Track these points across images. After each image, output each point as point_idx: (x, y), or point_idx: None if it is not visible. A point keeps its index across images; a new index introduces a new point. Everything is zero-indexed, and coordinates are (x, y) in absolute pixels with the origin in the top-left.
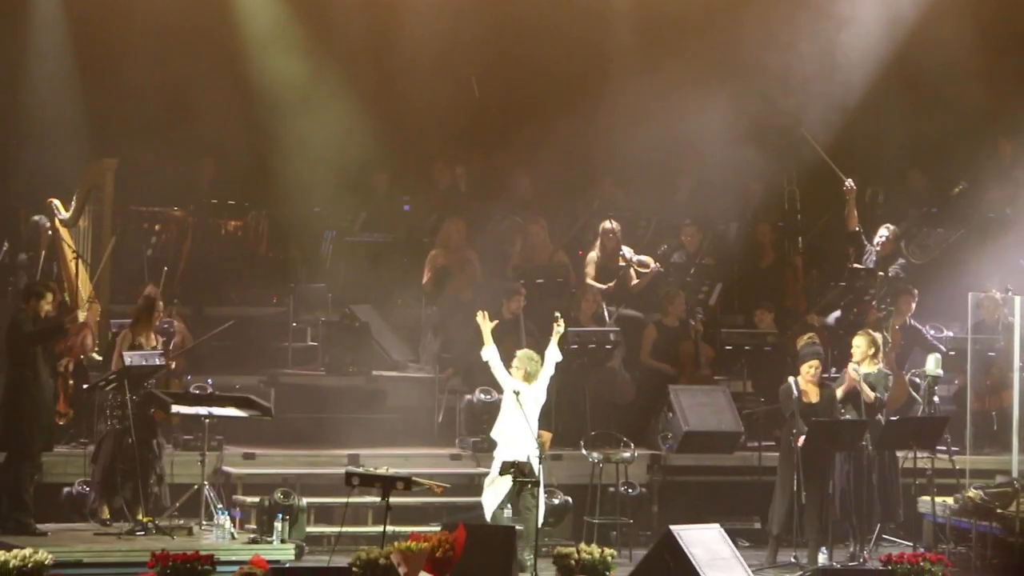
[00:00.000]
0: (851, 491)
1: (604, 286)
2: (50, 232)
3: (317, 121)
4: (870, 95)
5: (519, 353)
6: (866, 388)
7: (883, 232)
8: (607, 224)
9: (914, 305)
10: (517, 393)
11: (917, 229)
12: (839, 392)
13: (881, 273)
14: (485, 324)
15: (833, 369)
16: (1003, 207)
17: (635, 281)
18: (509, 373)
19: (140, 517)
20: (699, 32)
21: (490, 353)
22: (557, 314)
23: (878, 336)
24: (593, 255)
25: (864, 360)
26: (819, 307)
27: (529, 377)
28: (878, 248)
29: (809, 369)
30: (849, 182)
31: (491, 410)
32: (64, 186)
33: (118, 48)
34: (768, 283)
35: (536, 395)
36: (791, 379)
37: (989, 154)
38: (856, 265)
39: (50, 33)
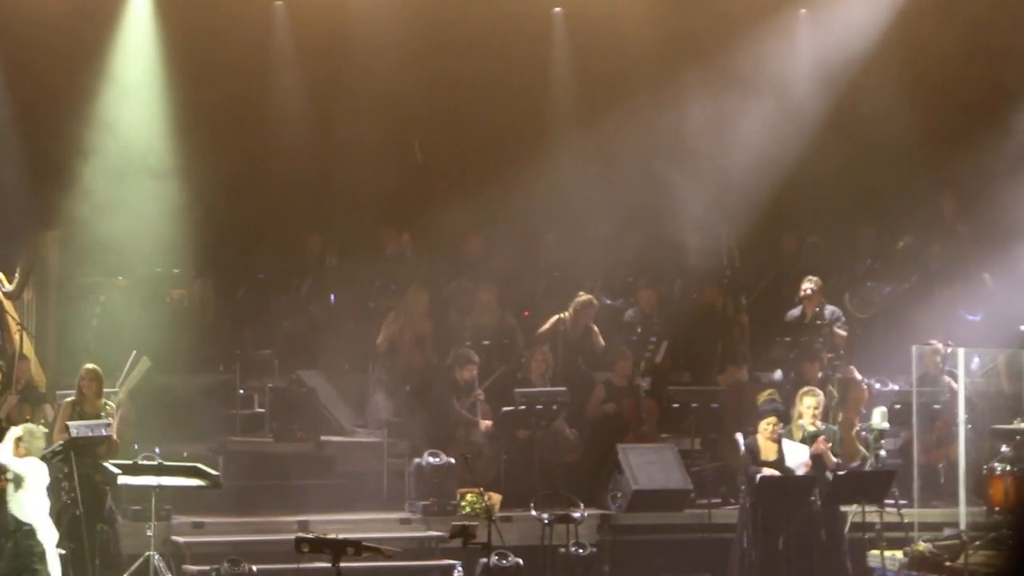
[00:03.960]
0: (797, 548)
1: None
2: None
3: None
4: (810, 152)
5: (23, 428)
6: (830, 456)
7: (807, 285)
8: (585, 299)
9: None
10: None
11: (861, 283)
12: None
13: (819, 322)
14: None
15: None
16: (946, 261)
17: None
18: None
19: None
20: (639, 84)
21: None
22: None
23: (821, 395)
24: (554, 319)
25: (814, 419)
26: (765, 363)
27: (30, 453)
28: (803, 301)
29: (767, 426)
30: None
31: (440, 473)
32: (7, 259)
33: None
34: (715, 340)
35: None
36: (739, 436)
37: (930, 209)
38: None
39: None
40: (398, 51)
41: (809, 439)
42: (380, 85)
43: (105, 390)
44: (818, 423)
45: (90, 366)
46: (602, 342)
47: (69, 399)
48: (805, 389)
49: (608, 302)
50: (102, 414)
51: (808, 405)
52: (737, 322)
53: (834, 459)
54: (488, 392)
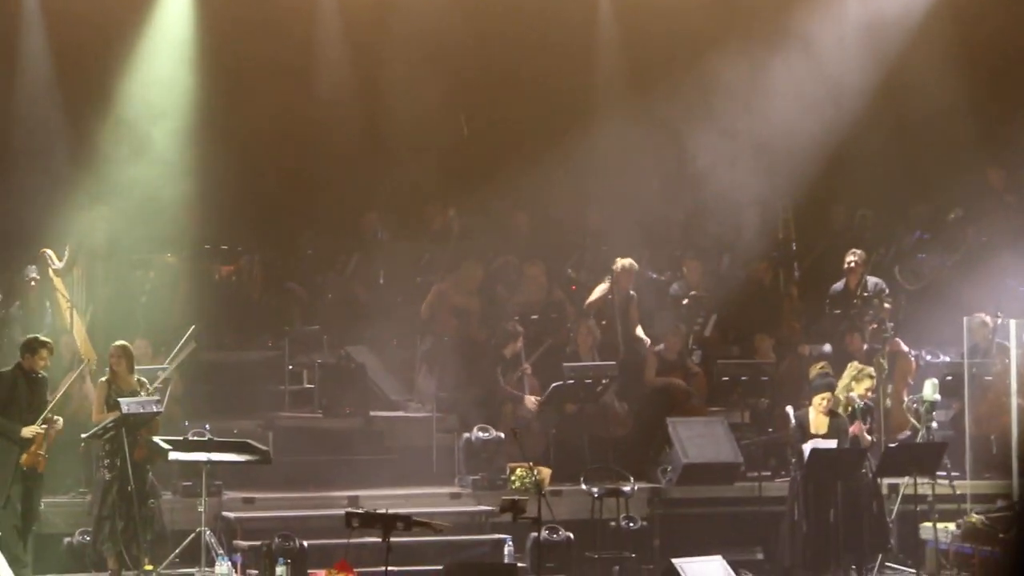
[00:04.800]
0: (848, 521)
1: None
2: (32, 284)
3: (309, 162)
4: (859, 125)
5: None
6: (865, 436)
7: (851, 258)
8: (626, 263)
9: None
10: None
11: (910, 255)
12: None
13: (866, 294)
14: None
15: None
16: (996, 232)
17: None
18: None
19: (144, 566)
20: (688, 60)
21: None
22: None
23: (869, 368)
24: (602, 287)
25: (864, 397)
26: (814, 335)
27: None
28: (847, 273)
29: (821, 401)
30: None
31: (489, 448)
32: (57, 236)
33: (108, 89)
34: (764, 313)
35: None
36: (789, 409)
37: (980, 180)
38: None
39: (38, 74)
40: (446, 26)
41: (851, 417)
42: (427, 61)
43: (154, 366)
44: (867, 401)
45: (119, 343)
46: (637, 313)
47: (103, 379)
48: (862, 369)
49: (653, 276)
50: (139, 391)
51: (866, 387)
52: (787, 295)
53: (868, 438)
54: (537, 366)
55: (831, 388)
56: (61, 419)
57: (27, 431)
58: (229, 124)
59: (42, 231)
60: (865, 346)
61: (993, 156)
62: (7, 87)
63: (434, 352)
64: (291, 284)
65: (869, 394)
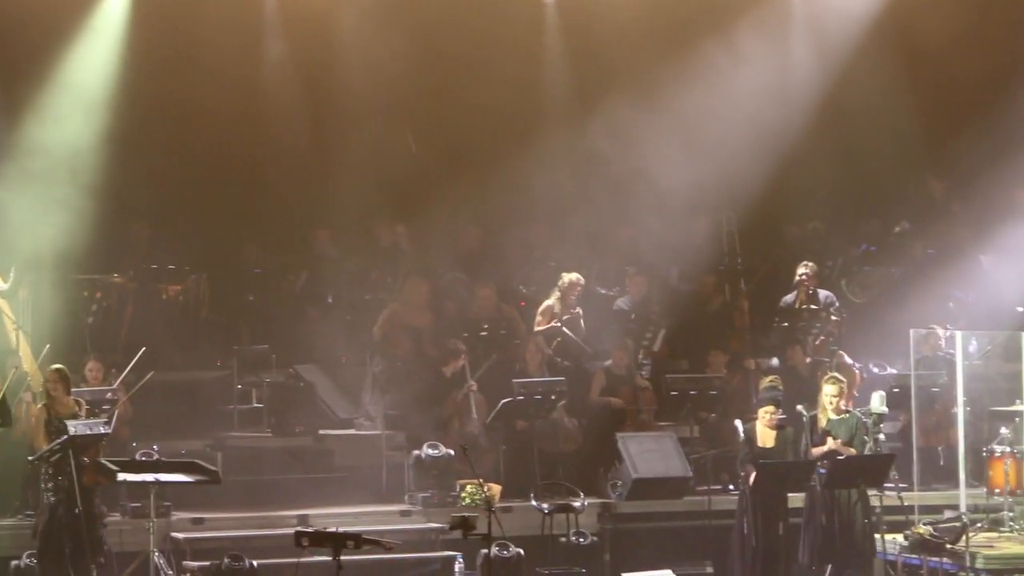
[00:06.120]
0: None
1: (544, 327)
2: None
3: (255, 180)
4: (805, 139)
5: None
6: (848, 449)
7: (802, 271)
8: (572, 277)
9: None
10: None
11: (857, 268)
12: (815, 452)
13: (814, 307)
14: None
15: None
16: (941, 243)
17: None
18: None
19: None
20: (633, 75)
21: None
22: None
23: (843, 381)
24: (550, 303)
25: (836, 406)
26: (763, 350)
27: None
28: (798, 286)
29: (765, 414)
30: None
31: (439, 465)
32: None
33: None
34: (713, 327)
35: None
36: (738, 423)
37: (925, 192)
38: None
39: None
40: (390, 43)
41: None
42: (373, 76)
43: (102, 388)
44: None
45: (55, 367)
46: (583, 327)
47: (41, 404)
48: (827, 376)
49: (602, 292)
50: (79, 412)
51: (827, 393)
52: (737, 308)
53: (850, 450)
54: (484, 382)
55: (776, 402)
56: None
57: None
58: (171, 139)
59: None
60: (808, 359)
61: (937, 168)
62: None
63: (386, 374)
64: (248, 296)
65: (835, 400)
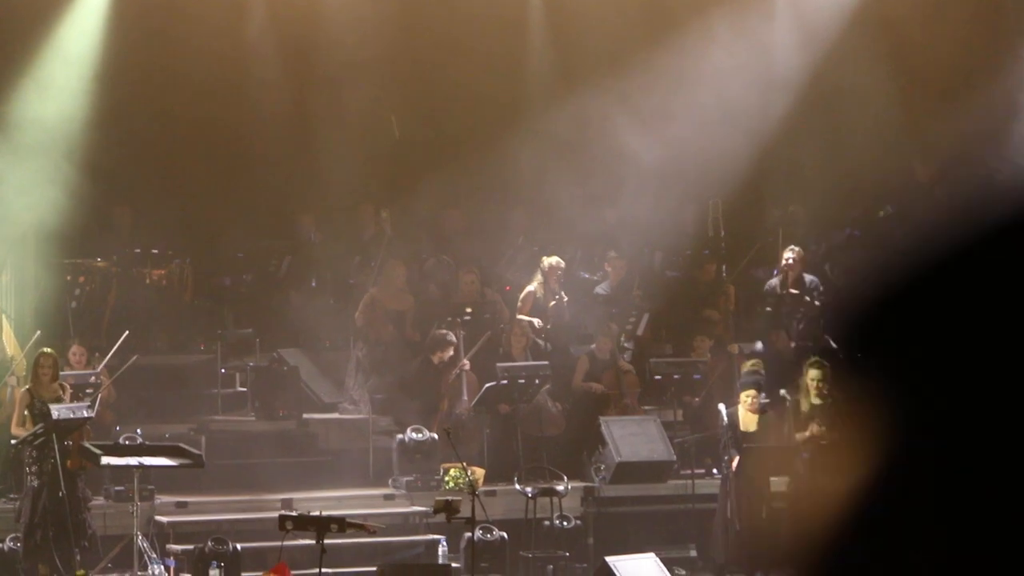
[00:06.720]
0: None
1: (534, 320)
2: None
3: (238, 164)
4: (789, 123)
5: None
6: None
7: (788, 255)
8: (553, 261)
9: None
10: None
11: (840, 252)
12: (798, 438)
13: (796, 291)
14: None
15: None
16: (926, 227)
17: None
18: None
19: (76, 573)
20: (618, 58)
21: None
22: None
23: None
24: (532, 289)
25: (819, 391)
26: (746, 333)
27: None
28: (786, 270)
29: (747, 398)
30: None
31: (423, 448)
32: None
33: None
34: (698, 312)
35: None
36: (722, 406)
37: (909, 177)
38: (782, 290)
39: None
40: (373, 26)
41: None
42: (357, 62)
43: (86, 371)
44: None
45: (47, 351)
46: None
47: (25, 388)
48: (810, 360)
49: (585, 275)
50: (63, 396)
51: (812, 377)
52: (722, 293)
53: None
54: (475, 361)
55: (758, 386)
56: None
57: None
58: (154, 117)
59: None
60: (793, 344)
61: (921, 151)
62: None
63: (369, 358)
64: (224, 279)
65: (820, 385)
